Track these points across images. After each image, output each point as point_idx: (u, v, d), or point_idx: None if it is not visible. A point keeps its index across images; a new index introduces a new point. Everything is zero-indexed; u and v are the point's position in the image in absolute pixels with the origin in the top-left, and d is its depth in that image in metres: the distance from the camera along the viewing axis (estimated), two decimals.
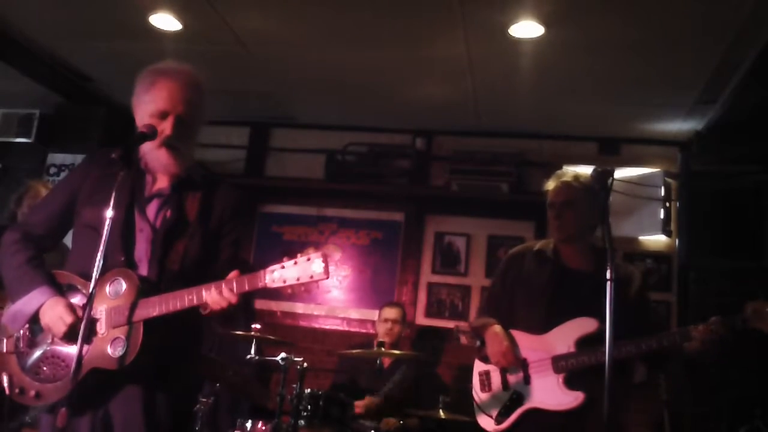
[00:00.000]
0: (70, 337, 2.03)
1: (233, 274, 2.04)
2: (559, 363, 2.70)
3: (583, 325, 2.68)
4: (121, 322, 2.03)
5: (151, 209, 2.19)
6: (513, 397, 2.76)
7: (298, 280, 1.97)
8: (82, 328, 1.90)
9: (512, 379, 2.80)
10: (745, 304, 2.55)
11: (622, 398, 2.79)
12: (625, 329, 2.60)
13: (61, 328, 2.02)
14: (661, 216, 5.09)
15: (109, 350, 2.02)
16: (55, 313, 2.04)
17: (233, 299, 1.99)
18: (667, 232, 5.13)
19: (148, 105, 2.18)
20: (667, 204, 5.16)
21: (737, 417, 4.30)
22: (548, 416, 2.68)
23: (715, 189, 4.98)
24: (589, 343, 2.65)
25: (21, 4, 4.35)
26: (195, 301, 2.01)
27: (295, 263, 1.98)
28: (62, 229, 2.29)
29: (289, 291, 2.00)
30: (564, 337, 2.72)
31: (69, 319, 2.02)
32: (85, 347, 1.98)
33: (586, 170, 2.81)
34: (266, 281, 1.98)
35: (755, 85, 4.21)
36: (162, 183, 2.22)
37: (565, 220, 2.85)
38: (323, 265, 1.95)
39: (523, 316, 2.86)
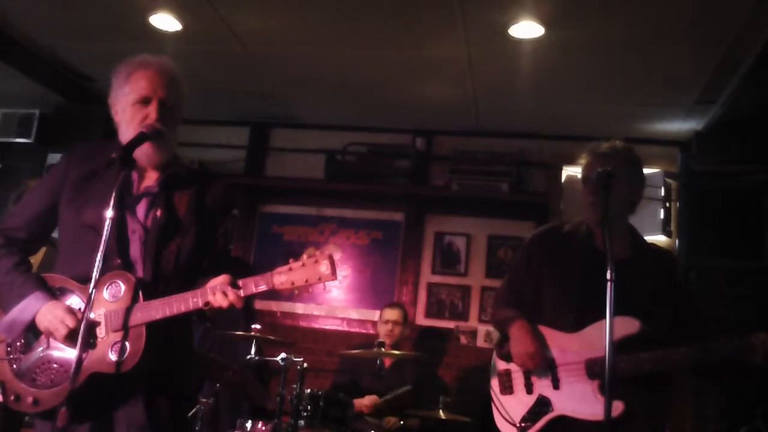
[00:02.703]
0: (72, 339, 1.99)
1: (225, 278, 2.03)
2: (594, 368, 2.40)
3: (623, 326, 2.31)
4: (122, 326, 2.01)
5: (141, 209, 2.16)
6: (539, 402, 2.47)
7: (306, 281, 1.99)
8: (81, 330, 1.87)
9: (538, 382, 2.50)
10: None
11: (664, 412, 2.51)
12: (668, 327, 2.40)
13: (62, 332, 1.99)
14: (661, 216, 5.09)
15: (111, 355, 2.00)
16: (55, 317, 2.00)
17: (239, 303, 1.99)
18: (667, 233, 5.13)
19: (128, 96, 2.16)
20: (667, 204, 5.16)
21: (738, 417, 4.30)
22: (579, 426, 2.40)
23: (715, 189, 4.98)
24: (629, 345, 2.32)
25: (21, 4, 4.35)
26: (200, 304, 2.00)
27: (303, 265, 2.00)
28: (45, 232, 2.25)
29: (297, 292, 2.03)
30: (600, 337, 2.31)
31: (71, 322, 1.99)
32: (86, 352, 1.98)
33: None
34: (274, 283, 2.00)
35: (755, 85, 4.21)
36: (149, 181, 2.19)
37: (603, 198, 2.42)
38: (330, 266, 1.98)
39: (551, 308, 2.55)
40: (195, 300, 2.00)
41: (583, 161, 2.63)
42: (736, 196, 4.92)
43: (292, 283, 2.00)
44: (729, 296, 4.66)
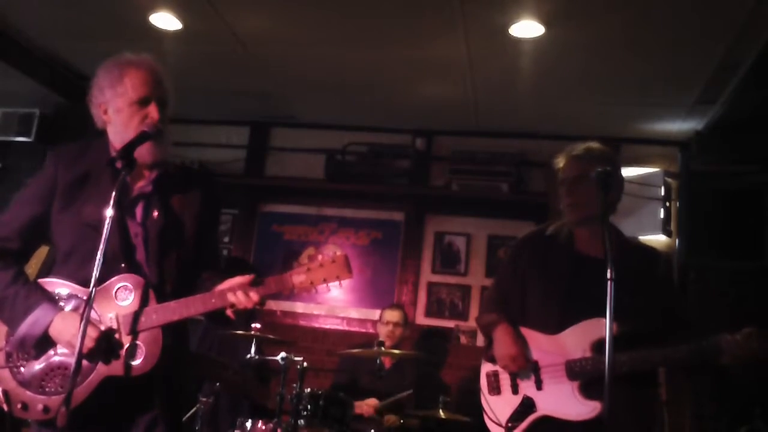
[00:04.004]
0: (96, 352, 1.96)
1: (245, 279, 2.04)
2: (573, 369, 2.46)
3: (601, 328, 2.31)
4: (138, 329, 2.00)
5: (138, 211, 2.14)
6: (524, 403, 2.53)
7: (324, 281, 2.06)
8: (81, 331, 1.86)
9: (523, 383, 2.56)
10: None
11: (649, 411, 2.52)
12: (652, 325, 2.41)
13: (88, 346, 1.93)
14: (661, 216, 5.09)
15: (127, 358, 1.99)
16: (78, 330, 1.91)
17: (261, 304, 2.02)
18: (667, 232, 5.13)
19: (124, 96, 2.12)
20: (667, 204, 5.16)
21: (737, 416, 4.30)
22: (563, 426, 2.44)
23: (715, 189, 4.98)
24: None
25: (21, 4, 4.35)
26: (218, 305, 2.02)
27: (321, 265, 2.05)
28: (37, 240, 2.18)
29: (314, 291, 2.09)
30: (579, 339, 2.45)
31: (94, 333, 1.95)
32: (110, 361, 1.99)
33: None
34: (294, 283, 2.04)
35: (755, 85, 4.21)
36: (141, 182, 2.17)
37: (580, 198, 2.53)
38: (347, 265, 2.05)
39: (535, 311, 2.60)
40: (214, 301, 2.02)
41: (559, 163, 2.66)
42: (736, 196, 4.92)
43: (311, 283, 2.05)
44: (729, 296, 4.66)
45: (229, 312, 2.05)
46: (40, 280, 2.11)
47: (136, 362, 1.99)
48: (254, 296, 2.00)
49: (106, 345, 1.98)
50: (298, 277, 2.04)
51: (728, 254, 4.82)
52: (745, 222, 4.85)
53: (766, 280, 4.60)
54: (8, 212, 2.18)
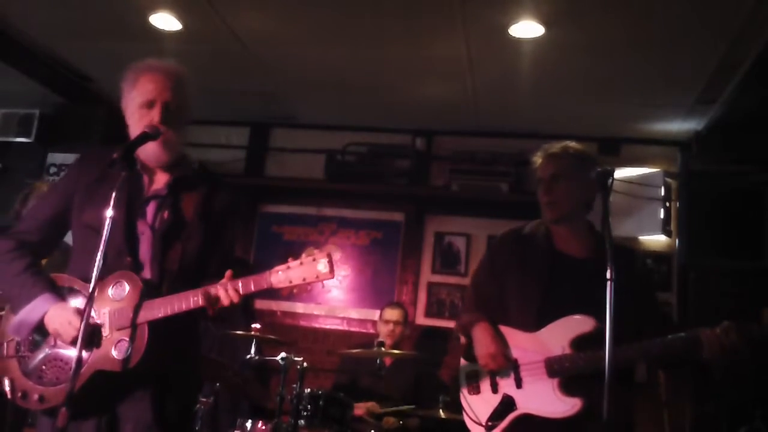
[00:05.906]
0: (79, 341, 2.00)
1: (228, 274, 2.05)
2: (552, 366, 2.43)
3: (579, 324, 2.40)
4: (125, 324, 2.04)
5: (150, 211, 2.19)
6: (504, 402, 2.51)
7: (304, 280, 2.01)
8: (81, 328, 1.90)
9: (503, 382, 2.54)
10: (761, 309, 2.29)
11: (627, 405, 2.50)
12: (630, 322, 2.37)
13: (71, 334, 2.02)
14: (661, 216, 5.09)
15: (114, 352, 2.02)
16: (63, 319, 2.04)
17: (236, 299, 2.01)
18: (667, 232, 5.13)
19: (135, 100, 2.21)
20: (667, 204, 5.16)
21: (737, 417, 4.30)
22: (543, 424, 2.42)
23: (715, 189, 4.98)
24: (586, 343, 2.37)
25: (21, 4, 4.35)
26: (200, 302, 2.02)
27: (301, 263, 2.02)
28: (57, 235, 2.30)
29: (295, 291, 2.06)
30: (558, 336, 2.44)
31: (77, 323, 2.00)
32: (90, 351, 2.01)
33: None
34: (272, 282, 2.02)
35: (755, 85, 4.21)
36: (158, 184, 2.23)
37: (556, 196, 2.54)
38: (329, 264, 1.99)
39: (515, 309, 2.58)
40: (195, 298, 2.02)
41: (536, 162, 2.66)
42: (736, 196, 4.93)
43: (290, 282, 2.01)
44: (729, 296, 4.66)
45: (210, 310, 2.05)
46: (52, 275, 2.18)
47: (120, 357, 2.01)
48: (233, 294, 2.01)
49: (96, 338, 2.03)
50: (276, 276, 2.02)
51: (728, 254, 4.83)
52: (745, 222, 4.85)
53: (766, 280, 4.61)
54: (34, 207, 2.38)
